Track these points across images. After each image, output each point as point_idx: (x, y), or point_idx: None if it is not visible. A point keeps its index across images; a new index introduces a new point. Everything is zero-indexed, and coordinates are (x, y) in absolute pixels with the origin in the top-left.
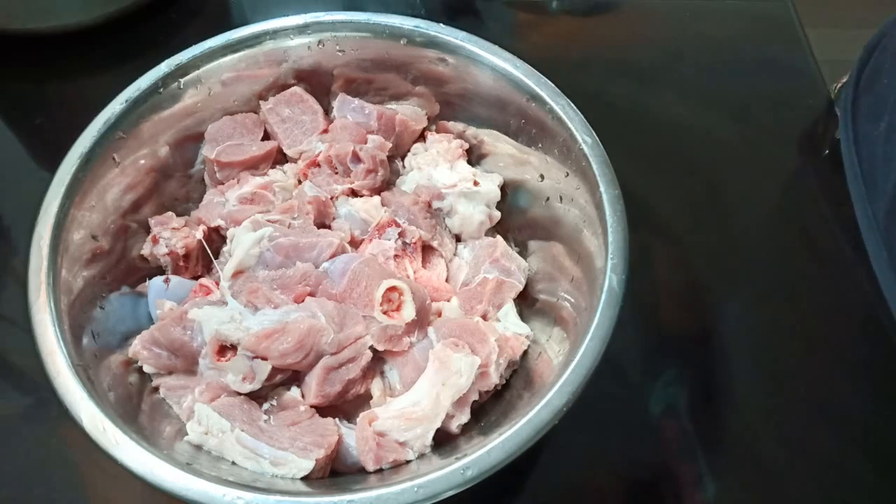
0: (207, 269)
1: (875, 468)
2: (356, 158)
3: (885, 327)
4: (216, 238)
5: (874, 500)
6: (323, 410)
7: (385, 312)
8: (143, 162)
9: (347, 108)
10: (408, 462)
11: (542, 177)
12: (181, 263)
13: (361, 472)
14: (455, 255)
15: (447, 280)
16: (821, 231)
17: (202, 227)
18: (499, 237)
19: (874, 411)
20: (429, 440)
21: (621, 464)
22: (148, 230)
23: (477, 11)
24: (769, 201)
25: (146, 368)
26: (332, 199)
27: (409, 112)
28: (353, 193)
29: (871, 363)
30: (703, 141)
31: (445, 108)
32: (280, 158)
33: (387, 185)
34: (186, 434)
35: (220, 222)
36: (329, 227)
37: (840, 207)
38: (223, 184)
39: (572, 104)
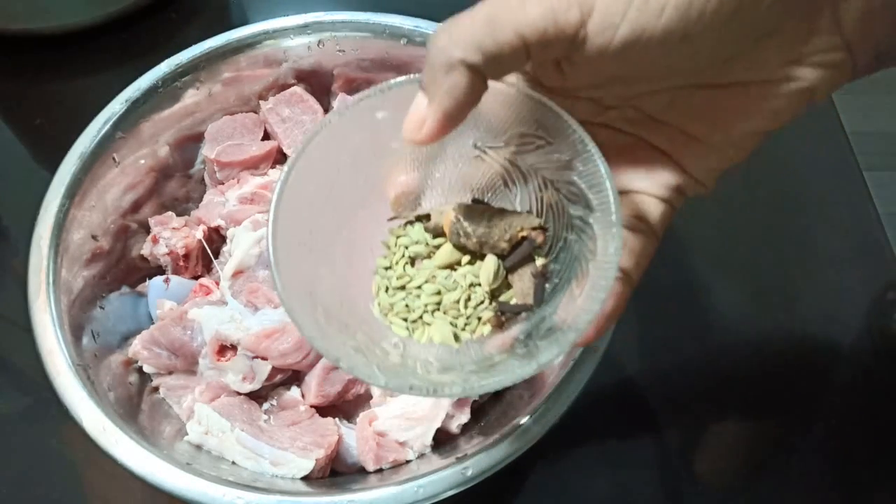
0: (207, 268)
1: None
2: None
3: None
4: (216, 238)
5: None
6: (323, 410)
7: None
8: (143, 162)
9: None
10: (408, 462)
11: None
12: (181, 263)
13: (361, 472)
14: None
15: None
16: (822, 225)
17: (202, 227)
18: None
19: (875, 414)
20: (429, 440)
21: (621, 464)
22: (148, 230)
23: None
24: (769, 199)
25: (146, 368)
26: None
27: None
28: None
29: (870, 365)
30: None
31: None
32: (280, 158)
33: None
34: (186, 434)
35: (220, 222)
36: None
37: (839, 196)
38: (223, 184)
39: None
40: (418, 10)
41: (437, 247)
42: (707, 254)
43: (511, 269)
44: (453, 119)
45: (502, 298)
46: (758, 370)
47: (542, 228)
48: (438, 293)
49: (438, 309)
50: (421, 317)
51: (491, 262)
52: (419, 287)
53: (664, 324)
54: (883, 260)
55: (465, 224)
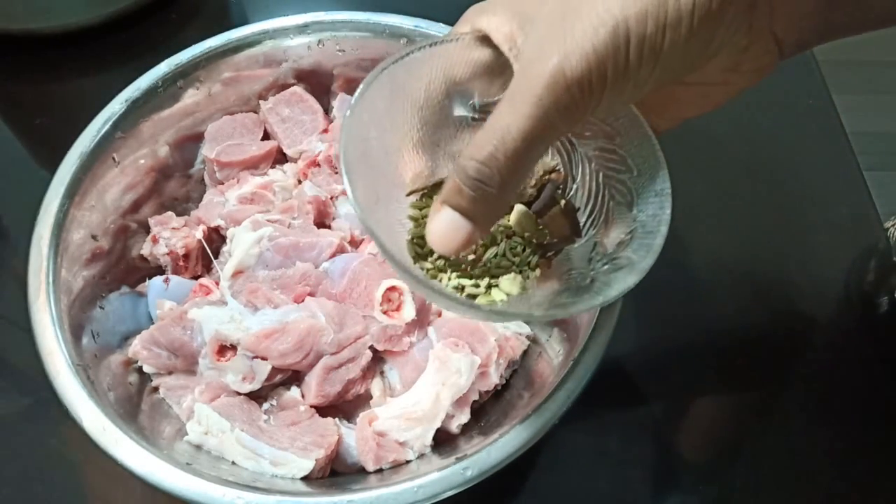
0: (207, 268)
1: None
2: None
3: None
4: (216, 238)
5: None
6: (323, 410)
7: (385, 312)
8: (142, 162)
9: (347, 108)
10: (408, 462)
11: None
12: (181, 263)
13: (361, 472)
14: None
15: None
16: (822, 225)
17: (202, 227)
18: None
19: (874, 412)
20: (429, 440)
21: (621, 464)
22: (148, 230)
23: None
24: (769, 199)
25: (146, 368)
26: (331, 198)
27: None
28: None
29: (874, 360)
30: (704, 139)
31: None
32: (280, 158)
33: None
34: (186, 434)
35: (220, 222)
36: (329, 227)
37: (839, 196)
38: (223, 183)
39: None
40: (418, 9)
41: None
42: (707, 254)
43: (540, 214)
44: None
45: (538, 242)
46: (758, 367)
47: (556, 170)
48: (494, 256)
49: (491, 271)
50: (489, 287)
51: (519, 209)
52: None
53: (664, 323)
54: (883, 259)
55: None
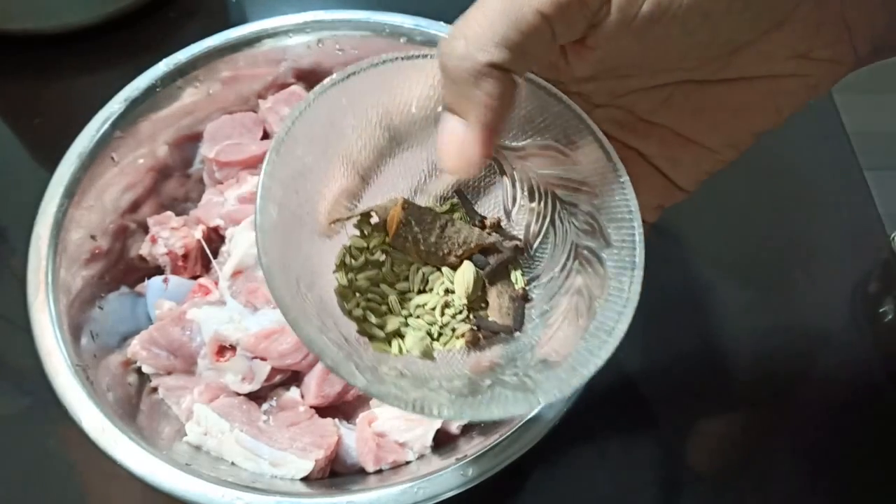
0: (206, 268)
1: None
2: None
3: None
4: (215, 238)
5: None
6: (322, 411)
7: None
8: (141, 161)
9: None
10: (408, 463)
11: None
12: (180, 263)
13: (361, 472)
14: None
15: None
16: (823, 225)
17: (201, 227)
18: None
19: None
20: (429, 441)
21: (622, 465)
22: (146, 230)
23: None
24: (769, 199)
25: (145, 369)
26: None
27: None
28: None
29: (869, 362)
30: None
31: None
32: None
33: None
34: (185, 434)
35: (220, 222)
36: None
37: (839, 196)
38: (222, 183)
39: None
40: (419, 8)
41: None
42: (707, 254)
43: (490, 282)
44: (497, 132)
45: (479, 315)
46: (758, 369)
47: (496, 248)
48: (424, 304)
49: (412, 314)
50: (398, 330)
51: (468, 269)
52: (396, 277)
53: (664, 323)
54: (883, 260)
55: (417, 229)
